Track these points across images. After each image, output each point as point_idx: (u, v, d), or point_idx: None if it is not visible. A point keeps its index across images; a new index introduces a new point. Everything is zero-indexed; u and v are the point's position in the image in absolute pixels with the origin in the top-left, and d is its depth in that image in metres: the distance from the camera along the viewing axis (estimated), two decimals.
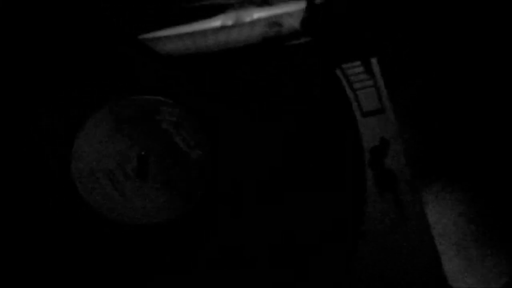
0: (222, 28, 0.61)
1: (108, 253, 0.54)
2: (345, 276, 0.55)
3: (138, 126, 0.58)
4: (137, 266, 0.53)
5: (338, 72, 0.62)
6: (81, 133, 0.58)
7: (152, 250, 0.54)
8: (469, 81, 0.73)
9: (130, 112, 0.59)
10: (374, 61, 0.63)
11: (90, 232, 0.55)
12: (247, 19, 0.62)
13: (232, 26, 0.61)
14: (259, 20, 0.62)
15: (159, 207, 0.56)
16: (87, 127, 0.59)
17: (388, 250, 0.57)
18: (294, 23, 0.61)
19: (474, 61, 0.73)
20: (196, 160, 0.57)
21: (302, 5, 0.62)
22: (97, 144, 0.58)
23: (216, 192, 0.57)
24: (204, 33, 0.61)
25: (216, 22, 0.61)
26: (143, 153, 0.57)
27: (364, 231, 0.57)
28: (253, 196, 0.57)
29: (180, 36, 0.61)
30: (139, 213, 0.56)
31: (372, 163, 0.60)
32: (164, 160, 0.58)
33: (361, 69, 0.63)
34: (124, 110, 0.59)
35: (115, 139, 0.58)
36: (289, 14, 0.61)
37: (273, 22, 0.61)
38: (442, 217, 0.67)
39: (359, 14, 0.64)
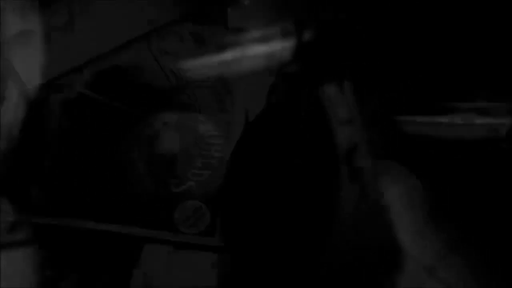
0: (452, 124, 0.75)
1: None
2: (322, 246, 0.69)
3: None
4: None
5: (321, 92, 0.76)
6: None
7: None
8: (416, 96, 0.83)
9: None
10: (347, 83, 0.76)
11: None
12: (472, 121, 0.75)
13: (460, 125, 0.75)
14: (481, 124, 0.74)
15: None
16: None
17: (356, 225, 0.70)
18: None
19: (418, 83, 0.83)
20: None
21: None
22: None
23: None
24: (439, 124, 0.75)
25: (448, 119, 0.75)
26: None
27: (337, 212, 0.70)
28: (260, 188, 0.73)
29: (426, 123, 0.76)
30: None
31: (346, 161, 0.73)
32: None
33: (337, 89, 0.76)
34: None
35: None
36: (503, 124, 0.74)
37: (493, 128, 0.74)
38: (398, 199, 0.78)
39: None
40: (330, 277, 0.69)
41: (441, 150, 0.75)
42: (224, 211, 0.77)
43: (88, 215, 0.78)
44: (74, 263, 0.78)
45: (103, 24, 0.83)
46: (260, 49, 0.79)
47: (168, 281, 0.78)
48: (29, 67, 0.81)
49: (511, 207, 0.73)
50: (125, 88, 0.82)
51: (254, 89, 0.82)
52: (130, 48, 0.83)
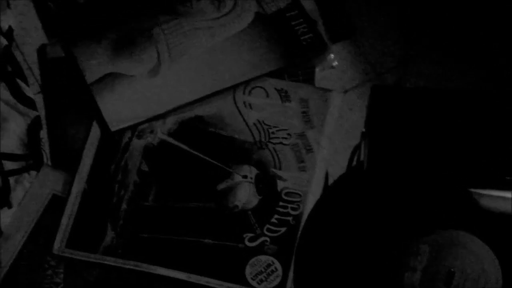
0: None
1: None
2: None
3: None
4: None
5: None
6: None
7: None
8: None
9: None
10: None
11: None
12: None
13: None
14: None
15: None
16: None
17: None
18: None
19: None
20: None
21: None
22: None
23: None
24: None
25: None
26: (452, 269, 0.72)
27: None
28: None
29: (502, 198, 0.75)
30: None
31: None
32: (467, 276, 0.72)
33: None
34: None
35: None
36: None
37: None
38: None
39: None
40: None
41: None
42: (297, 269, 0.77)
43: (158, 261, 0.79)
44: None
45: (190, 73, 0.84)
46: None
47: None
48: (113, 110, 0.83)
49: None
50: (207, 139, 0.84)
51: (336, 150, 0.83)
52: (214, 100, 0.84)
